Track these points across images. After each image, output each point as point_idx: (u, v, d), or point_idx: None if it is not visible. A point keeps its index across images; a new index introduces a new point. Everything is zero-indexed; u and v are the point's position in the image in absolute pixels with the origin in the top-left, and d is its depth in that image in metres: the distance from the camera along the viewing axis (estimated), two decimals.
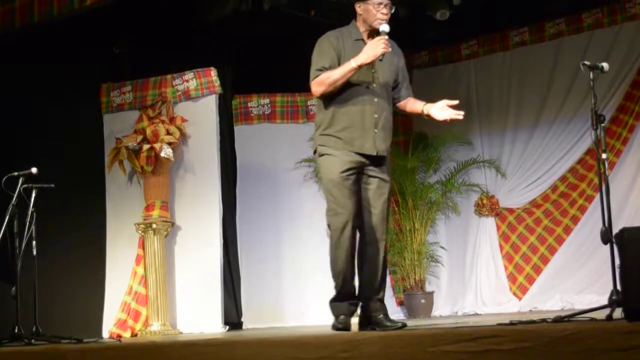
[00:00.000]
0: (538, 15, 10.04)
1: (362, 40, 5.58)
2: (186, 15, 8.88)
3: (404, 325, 5.35)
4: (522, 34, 10.33)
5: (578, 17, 9.89)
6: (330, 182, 5.49)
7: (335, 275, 5.54)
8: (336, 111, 5.54)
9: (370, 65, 5.48)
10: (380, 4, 5.49)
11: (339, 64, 5.50)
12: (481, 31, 10.55)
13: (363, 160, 5.50)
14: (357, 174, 5.51)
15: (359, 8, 5.58)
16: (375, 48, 5.37)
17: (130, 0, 7.90)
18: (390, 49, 5.41)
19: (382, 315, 5.46)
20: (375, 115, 5.50)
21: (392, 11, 5.54)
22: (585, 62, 5.12)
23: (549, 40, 10.14)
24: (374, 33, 5.53)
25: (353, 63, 5.39)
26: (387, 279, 5.75)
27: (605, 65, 5.18)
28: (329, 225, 5.53)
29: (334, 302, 5.60)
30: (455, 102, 5.54)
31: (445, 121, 5.55)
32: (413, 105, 5.73)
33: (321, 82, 5.54)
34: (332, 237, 5.50)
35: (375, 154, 5.50)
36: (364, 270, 5.58)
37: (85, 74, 9.08)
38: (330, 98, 5.57)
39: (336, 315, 5.54)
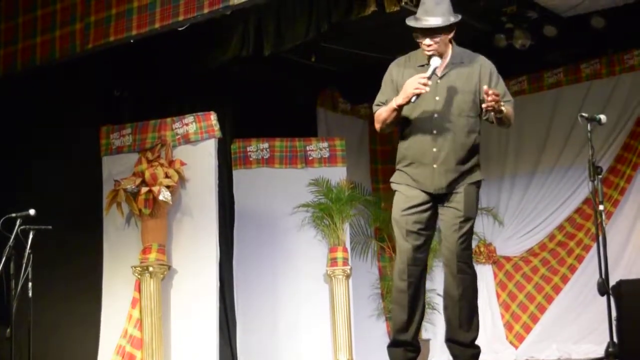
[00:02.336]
0: (537, 65, 10.12)
1: (427, 65, 5.12)
2: (187, 59, 8.93)
3: None
4: (521, 83, 10.39)
5: (576, 67, 9.97)
6: (393, 220, 5.29)
7: (392, 317, 5.36)
8: (401, 146, 5.28)
9: (431, 92, 5.03)
10: (420, 38, 5.10)
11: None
12: None
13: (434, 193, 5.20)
14: (431, 208, 5.23)
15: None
16: (409, 87, 4.97)
17: (131, 44, 7.94)
18: (426, 89, 4.94)
19: None
20: (434, 150, 5.11)
21: (439, 39, 5.06)
22: (583, 114, 5.15)
23: (547, 90, 10.21)
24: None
25: (394, 102, 5.08)
26: (473, 318, 5.26)
27: (602, 117, 5.21)
28: None
29: (389, 347, 5.35)
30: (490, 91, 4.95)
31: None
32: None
33: (376, 119, 5.28)
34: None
35: (432, 191, 5.17)
36: (445, 307, 5.31)
37: (86, 116, 9.10)
38: (399, 132, 5.30)
39: None
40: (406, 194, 5.21)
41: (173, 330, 8.66)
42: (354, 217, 10.10)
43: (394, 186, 5.34)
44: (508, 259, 10.27)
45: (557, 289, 9.84)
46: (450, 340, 5.28)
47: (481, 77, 5.20)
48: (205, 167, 8.79)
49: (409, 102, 5.01)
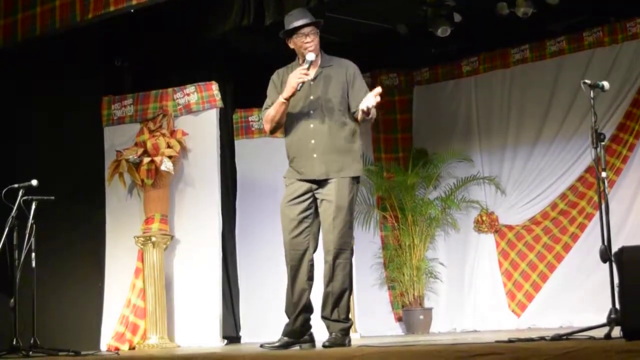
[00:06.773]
0: (539, 33, 10.07)
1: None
2: (188, 29, 8.90)
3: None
4: (523, 52, 10.35)
5: (579, 35, 9.91)
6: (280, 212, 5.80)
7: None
8: (286, 143, 5.86)
9: (305, 92, 5.68)
10: (303, 34, 5.69)
11: None
12: (482, 48, 10.57)
13: (312, 185, 5.71)
14: (310, 199, 5.72)
15: (290, 44, 5.82)
16: (292, 79, 5.57)
17: (131, 14, 7.91)
18: (309, 77, 5.58)
19: None
20: (313, 141, 5.68)
21: (318, 33, 5.71)
22: (586, 81, 5.13)
23: (549, 58, 10.15)
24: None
25: (281, 97, 5.66)
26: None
27: (605, 84, 5.18)
28: None
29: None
30: (378, 89, 5.58)
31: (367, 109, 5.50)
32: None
33: (265, 120, 5.86)
34: None
35: (314, 177, 5.69)
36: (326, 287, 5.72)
37: (87, 86, 9.09)
38: (284, 131, 5.86)
39: None
40: (293, 188, 5.76)
41: (176, 300, 8.70)
42: None
43: (285, 180, 5.88)
44: (510, 227, 10.27)
45: (559, 258, 9.84)
46: (324, 318, 5.71)
47: (347, 78, 5.81)
48: (207, 137, 8.80)
49: (295, 92, 5.60)
